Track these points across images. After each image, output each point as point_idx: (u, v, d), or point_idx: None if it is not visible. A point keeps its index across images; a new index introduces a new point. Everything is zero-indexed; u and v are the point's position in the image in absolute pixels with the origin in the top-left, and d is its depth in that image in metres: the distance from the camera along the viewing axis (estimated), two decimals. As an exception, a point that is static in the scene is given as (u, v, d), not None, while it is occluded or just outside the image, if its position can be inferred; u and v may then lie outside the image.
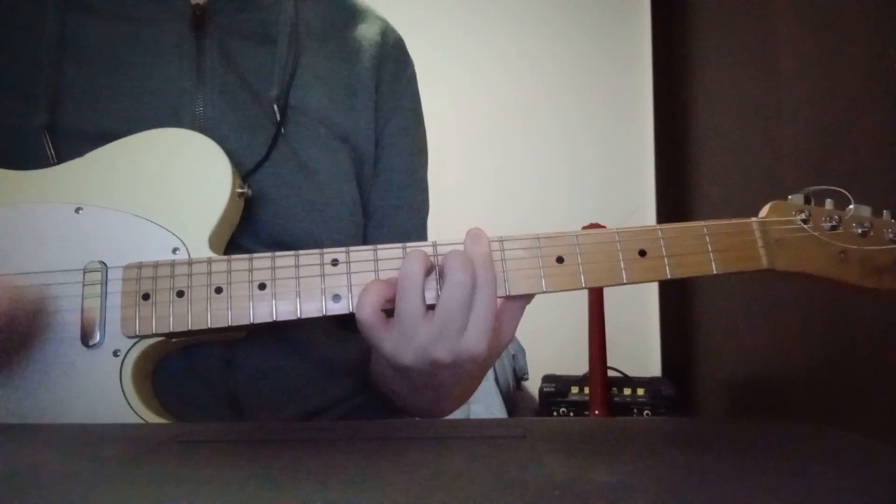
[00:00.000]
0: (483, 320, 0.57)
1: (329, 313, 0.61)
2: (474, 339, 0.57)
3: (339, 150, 0.78)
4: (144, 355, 0.63)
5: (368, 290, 0.58)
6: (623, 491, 0.37)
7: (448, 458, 0.45)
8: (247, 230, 0.70)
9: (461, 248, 0.60)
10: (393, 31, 0.86)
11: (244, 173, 0.70)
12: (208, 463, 0.45)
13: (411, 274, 0.57)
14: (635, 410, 1.72)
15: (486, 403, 1.71)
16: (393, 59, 0.84)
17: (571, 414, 1.73)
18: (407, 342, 0.57)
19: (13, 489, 0.38)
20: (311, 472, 0.42)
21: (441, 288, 0.57)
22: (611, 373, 1.77)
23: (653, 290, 2.09)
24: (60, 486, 0.40)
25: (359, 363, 0.79)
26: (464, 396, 0.68)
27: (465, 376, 0.62)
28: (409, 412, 0.74)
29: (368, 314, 0.57)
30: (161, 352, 0.65)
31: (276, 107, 0.74)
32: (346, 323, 0.81)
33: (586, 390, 1.72)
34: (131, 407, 0.61)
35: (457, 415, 1.43)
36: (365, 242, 0.79)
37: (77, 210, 0.65)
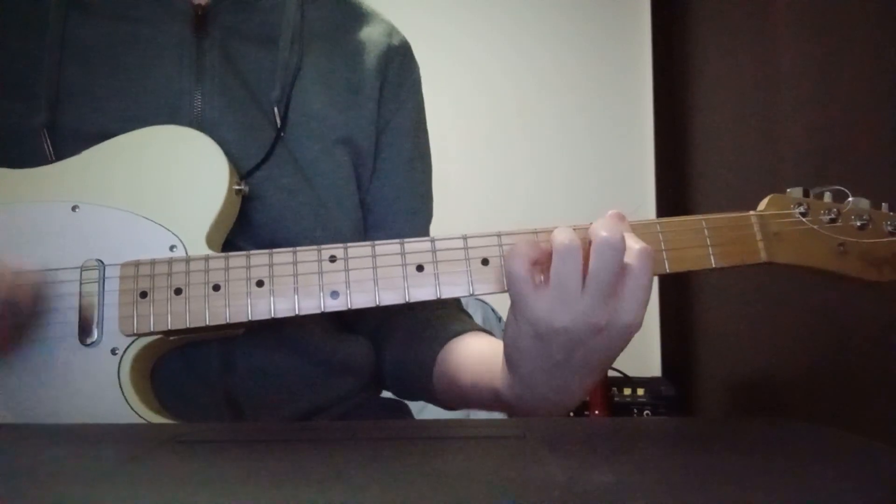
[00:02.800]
0: (640, 288, 0.58)
1: (327, 310, 0.61)
2: (632, 306, 0.57)
3: (340, 154, 0.77)
4: (143, 353, 0.63)
5: (517, 249, 0.57)
6: (623, 491, 0.37)
7: (448, 458, 0.45)
8: (243, 232, 0.70)
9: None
10: (399, 33, 0.86)
11: (242, 174, 0.70)
12: (208, 463, 0.45)
13: (569, 239, 0.57)
14: (635, 410, 1.71)
15: (486, 403, 1.71)
16: (398, 60, 0.84)
17: (571, 414, 1.73)
18: (564, 304, 0.56)
19: (13, 489, 0.38)
20: (311, 472, 0.42)
21: (592, 250, 0.57)
22: (611, 373, 1.77)
23: (653, 289, 2.09)
24: (60, 486, 0.40)
25: (357, 362, 0.79)
26: (587, 387, 0.65)
27: (608, 351, 0.60)
28: (524, 407, 0.66)
29: (519, 267, 0.57)
30: (159, 350, 0.65)
31: (276, 109, 0.74)
32: (345, 322, 0.81)
33: (586, 390, 1.72)
34: (130, 406, 0.61)
35: (457, 415, 1.42)
36: None
37: (74, 208, 0.65)
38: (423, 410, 1.40)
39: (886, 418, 0.97)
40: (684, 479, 0.40)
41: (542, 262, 0.58)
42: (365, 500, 0.36)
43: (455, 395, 0.75)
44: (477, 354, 0.72)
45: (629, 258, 0.57)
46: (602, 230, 0.57)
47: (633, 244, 0.58)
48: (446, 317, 0.80)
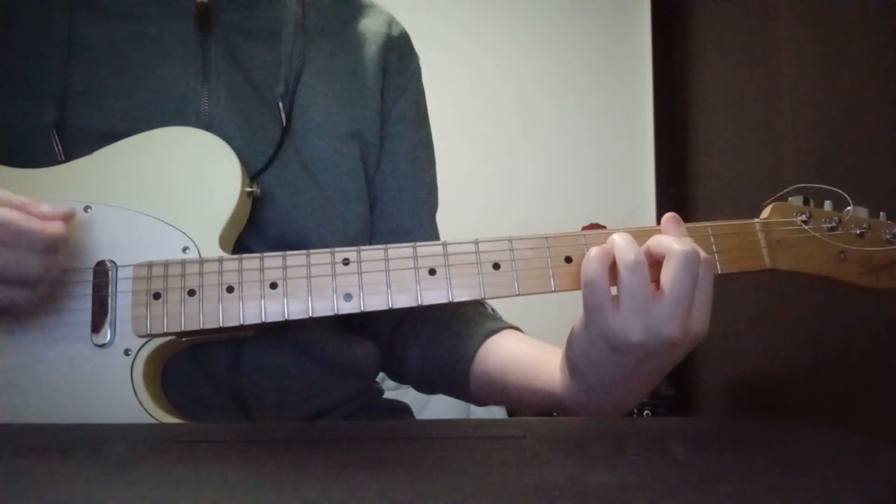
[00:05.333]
0: (707, 297, 0.58)
1: (341, 312, 0.62)
2: (701, 316, 0.58)
3: (347, 148, 0.77)
4: (155, 354, 0.63)
5: (596, 258, 0.58)
6: (623, 491, 0.37)
7: (448, 458, 0.45)
8: (251, 230, 0.70)
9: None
10: (398, 24, 0.86)
11: (250, 173, 0.70)
12: (208, 463, 0.45)
13: (637, 252, 0.57)
14: (635, 410, 1.71)
15: (486, 403, 1.71)
16: (398, 49, 0.84)
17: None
18: (638, 319, 0.57)
19: (13, 489, 0.38)
20: (312, 472, 0.42)
21: (667, 265, 0.57)
22: (611, 373, 1.77)
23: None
24: (60, 486, 0.40)
25: (363, 364, 0.79)
26: (649, 390, 0.66)
27: (675, 359, 0.61)
28: (583, 410, 0.66)
29: (600, 277, 0.57)
30: (171, 350, 0.65)
31: (281, 105, 0.74)
32: (358, 324, 0.81)
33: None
34: (143, 406, 0.61)
35: (457, 415, 1.42)
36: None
37: (86, 209, 0.65)
38: (424, 410, 1.40)
39: (886, 418, 0.97)
40: (684, 479, 0.40)
41: (613, 272, 0.59)
42: (365, 500, 0.36)
43: (496, 394, 0.75)
44: (527, 357, 0.72)
45: (700, 266, 0.58)
46: (676, 244, 0.57)
47: (701, 254, 0.58)
48: (477, 314, 0.80)
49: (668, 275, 0.57)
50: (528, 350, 0.73)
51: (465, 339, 0.76)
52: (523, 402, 0.72)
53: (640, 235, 0.62)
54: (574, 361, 0.62)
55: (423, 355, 0.79)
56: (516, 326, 0.79)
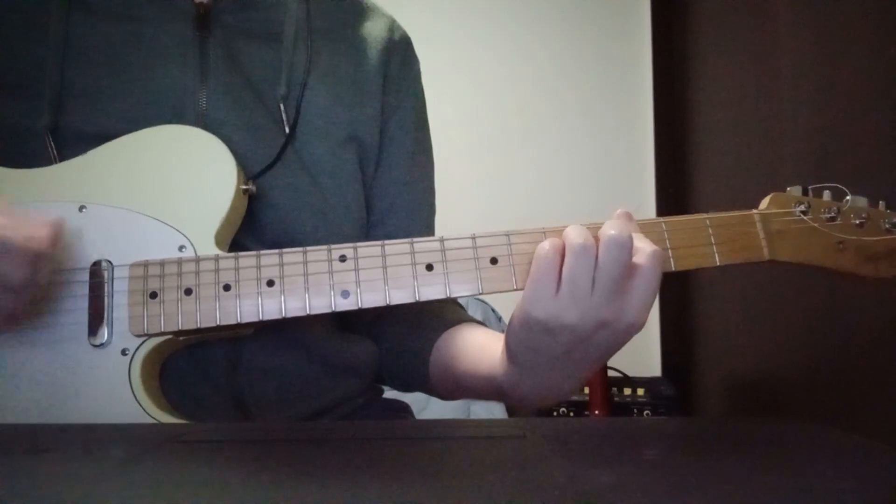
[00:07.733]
0: (649, 288, 0.58)
1: (338, 309, 0.62)
2: (638, 304, 0.58)
3: (346, 152, 0.77)
4: (153, 354, 0.63)
5: (548, 239, 0.58)
6: (623, 491, 0.37)
7: (448, 458, 0.45)
8: (250, 231, 0.70)
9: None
10: (400, 28, 0.86)
11: (250, 175, 0.70)
12: (208, 463, 0.45)
13: (584, 238, 0.57)
14: (635, 410, 1.71)
15: (486, 403, 1.71)
16: (400, 54, 0.84)
17: (571, 414, 1.73)
18: (575, 302, 0.57)
19: (13, 489, 0.38)
20: (311, 472, 0.42)
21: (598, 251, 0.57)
22: (611, 373, 1.77)
23: (653, 289, 2.08)
24: (60, 486, 0.40)
25: (362, 363, 0.79)
26: (582, 380, 0.66)
27: (608, 348, 0.61)
28: (520, 396, 0.67)
29: (552, 252, 0.57)
30: (169, 350, 0.65)
31: (282, 107, 0.73)
32: (350, 324, 0.81)
33: (586, 390, 1.72)
34: (141, 406, 0.61)
35: (457, 415, 1.42)
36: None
37: (81, 208, 0.65)
38: (424, 410, 1.40)
39: (886, 418, 0.97)
40: (684, 479, 0.40)
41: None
42: (365, 500, 0.36)
43: (450, 383, 0.76)
44: (474, 344, 0.73)
45: (640, 259, 0.57)
46: (611, 229, 0.57)
47: (645, 246, 0.58)
48: (442, 307, 0.80)
49: (600, 256, 0.57)
50: (478, 338, 0.73)
51: (426, 332, 0.77)
52: (471, 390, 0.73)
53: (644, 227, 0.63)
54: (511, 346, 0.63)
55: (390, 349, 0.80)
56: (480, 321, 0.80)
